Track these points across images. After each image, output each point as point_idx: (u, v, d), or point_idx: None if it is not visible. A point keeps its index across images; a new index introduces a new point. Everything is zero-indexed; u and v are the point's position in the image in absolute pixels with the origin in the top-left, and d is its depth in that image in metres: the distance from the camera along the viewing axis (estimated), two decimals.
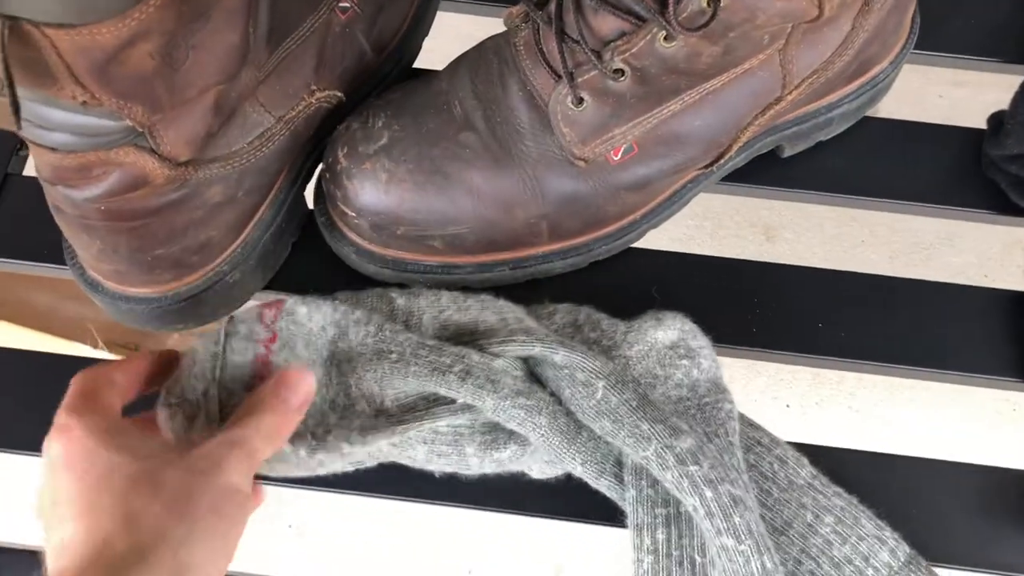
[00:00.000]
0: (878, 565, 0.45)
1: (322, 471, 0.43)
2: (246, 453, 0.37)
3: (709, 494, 0.40)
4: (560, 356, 0.43)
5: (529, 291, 0.49)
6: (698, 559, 0.43)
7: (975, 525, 0.48)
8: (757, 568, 0.40)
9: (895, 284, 0.52)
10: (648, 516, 0.43)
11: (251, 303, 0.45)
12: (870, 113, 0.55)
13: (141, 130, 0.38)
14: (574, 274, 0.51)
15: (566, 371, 0.43)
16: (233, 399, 0.41)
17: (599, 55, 0.43)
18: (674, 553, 0.43)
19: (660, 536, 0.43)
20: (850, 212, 1.00)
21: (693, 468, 0.41)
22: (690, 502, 0.41)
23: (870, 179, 0.54)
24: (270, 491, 0.95)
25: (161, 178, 0.40)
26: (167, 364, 0.42)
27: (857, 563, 0.45)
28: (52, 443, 0.36)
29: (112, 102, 0.35)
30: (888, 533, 0.46)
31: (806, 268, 0.52)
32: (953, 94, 1.04)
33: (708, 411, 0.45)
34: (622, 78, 0.43)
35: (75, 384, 0.38)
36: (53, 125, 0.36)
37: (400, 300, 0.46)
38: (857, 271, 0.53)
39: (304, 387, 0.40)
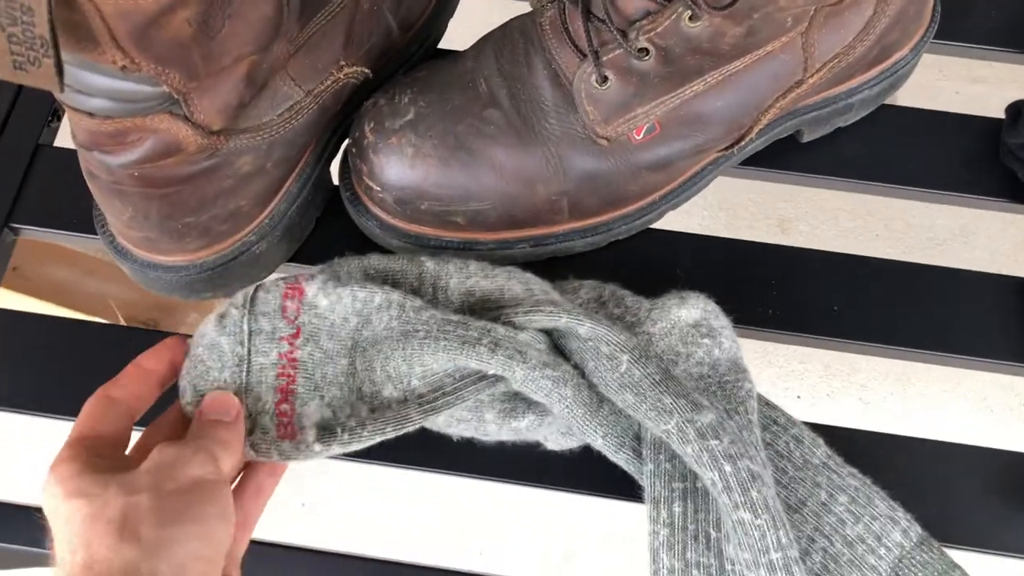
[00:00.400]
0: (890, 545, 0.46)
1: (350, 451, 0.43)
2: (194, 448, 0.37)
3: (728, 468, 0.41)
4: (585, 329, 0.43)
5: (549, 270, 0.50)
6: (713, 533, 0.43)
7: (987, 507, 0.48)
8: (772, 542, 0.41)
9: (910, 270, 0.53)
10: (665, 490, 0.44)
11: (273, 276, 0.46)
12: (889, 102, 0.55)
13: (177, 97, 0.38)
14: (594, 253, 0.52)
15: (591, 343, 0.44)
16: (259, 404, 0.42)
17: (624, 34, 0.44)
18: (690, 527, 0.43)
19: (676, 509, 0.43)
20: (865, 206, 1.01)
21: (713, 443, 0.41)
22: (709, 476, 0.41)
23: (888, 166, 0.55)
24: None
25: (194, 146, 0.41)
26: (176, 354, 0.42)
27: (870, 542, 0.46)
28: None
29: (150, 67, 0.36)
30: (901, 514, 0.46)
31: (823, 252, 0.53)
32: (969, 90, 1.04)
33: (728, 389, 0.45)
34: (646, 57, 0.44)
35: (74, 426, 0.39)
36: (92, 90, 0.37)
37: (429, 264, 0.46)
38: (875, 256, 0.53)
39: (230, 404, 0.40)
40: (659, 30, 0.43)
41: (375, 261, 0.47)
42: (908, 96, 0.58)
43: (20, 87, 0.57)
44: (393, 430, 0.41)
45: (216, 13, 0.37)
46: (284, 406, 0.41)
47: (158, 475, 0.35)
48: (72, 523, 0.34)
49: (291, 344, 0.42)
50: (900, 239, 1.00)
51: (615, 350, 0.43)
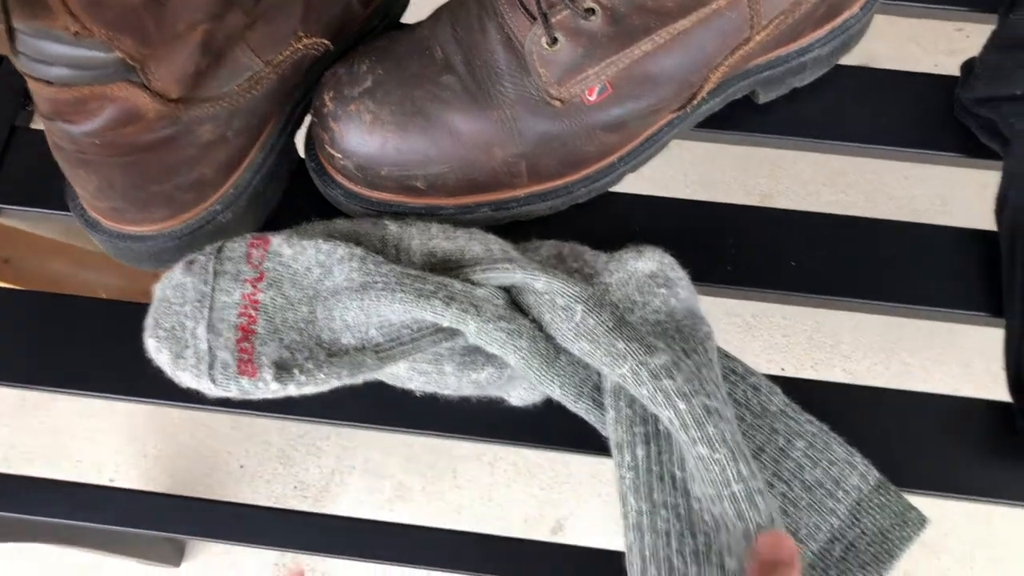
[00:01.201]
0: (848, 488, 0.47)
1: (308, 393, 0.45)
2: None
3: (682, 406, 0.42)
4: (541, 283, 0.44)
5: (512, 234, 0.51)
6: (678, 473, 0.44)
7: (942, 452, 0.49)
8: (733, 475, 0.41)
9: (866, 225, 0.54)
10: (628, 434, 0.45)
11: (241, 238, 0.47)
12: (846, 62, 0.56)
13: (133, 64, 0.40)
14: (555, 217, 0.53)
15: (547, 297, 0.45)
16: (220, 340, 0.43)
17: None
18: (654, 468, 0.44)
19: (640, 452, 0.44)
20: (845, 179, 1.01)
21: (667, 382, 0.42)
22: (665, 415, 0.42)
23: (845, 125, 0.56)
24: (273, 454, 0.97)
25: (153, 113, 0.42)
26: None
27: (828, 486, 0.47)
28: None
29: (102, 33, 0.37)
30: (858, 458, 0.47)
31: (779, 210, 0.54)
32: (947, 62, 1.04)
33: (686, 332, 0.46)
34: (593, 17, 0.45)
35: None
36: (50, 58, 0.38)
37: (393, 227, 0.48)
38: (828, 212, 0.54)
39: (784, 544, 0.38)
40: None
41: (339, 225, 0.49)
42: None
43: None
44: (349, 374, 0.43)
45: None
46: (244, 344, 0.43)
47: None
48: None
49: (254, 287, 0.44)
50: (881, 211, 1.00)
51: (570, 301, 0.44)
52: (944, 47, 1.05)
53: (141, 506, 0.55)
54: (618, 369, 0.43)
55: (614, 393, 0.46)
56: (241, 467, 0.95)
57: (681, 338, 0.46)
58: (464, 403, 0.49)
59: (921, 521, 0.47)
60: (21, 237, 0.87)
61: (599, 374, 0.47)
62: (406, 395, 0.49)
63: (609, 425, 0.46)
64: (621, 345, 0.43)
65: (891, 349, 0.96)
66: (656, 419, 0.45)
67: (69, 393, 0.52)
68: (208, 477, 0.94)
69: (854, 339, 0.96)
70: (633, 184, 0.55)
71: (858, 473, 0.47)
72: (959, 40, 1.06)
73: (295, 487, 0.94)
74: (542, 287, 0.45)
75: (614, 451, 0.45)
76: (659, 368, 0.42)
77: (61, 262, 0.89)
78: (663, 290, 0.47)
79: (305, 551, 0.54)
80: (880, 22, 0.57)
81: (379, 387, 0.49)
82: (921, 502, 0.47)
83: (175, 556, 0.92)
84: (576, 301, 0.44)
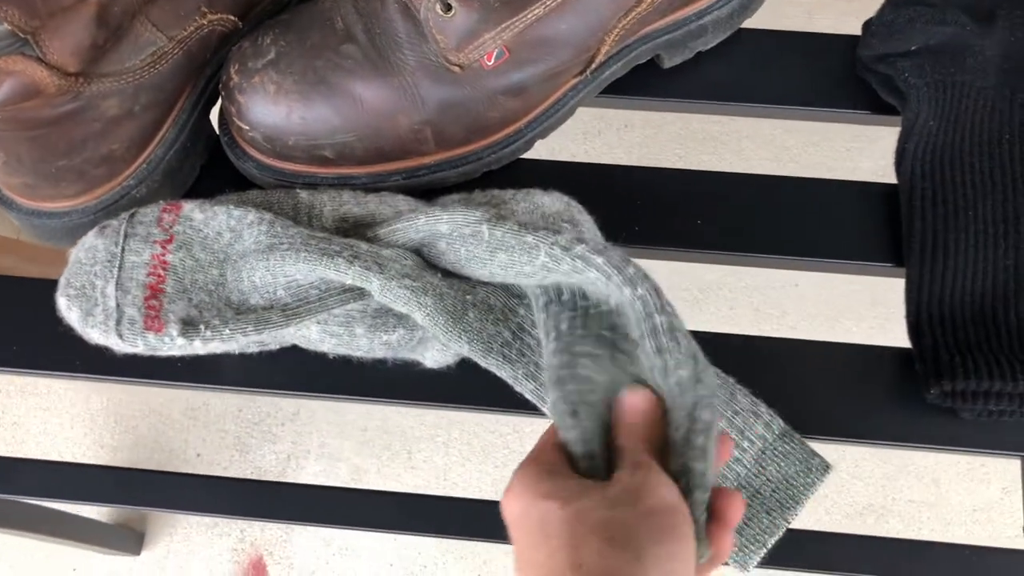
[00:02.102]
0: (753, 438, 0.48)
1: (216, 351, 0.46)
2: (659, 473, 0.36)
3: (600, 260, 0.41)
4: (444, 223, 0.45)
5: (427, 198, 0.52)
6: (606, 334, 0.43)
7: (845, 400, 0.50)
8: (655, 307, 0.40)
9: (770, 183, 0.55)
10: (554, 320, 0.44)
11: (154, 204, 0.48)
12: (751, 25, 0.58)
13: (24, 36, 0.41)
14: (468, 184, 0.54)
15: (456, 234, 0.45)
16: (127, 298, 0.45)
17: None
18: (578, 331, 0.43)
19: (564, 327, 0.43)
20: (788, 153, 1.03)
21: (580, 247, 0.42)
22: (591, 277, 0.41)
23: (751, 87, 0.57)
24: (229, 442, 0.97)
25: (52, 88, 0.43)
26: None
27: (733, 436, 0.48)
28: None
29: None
30: (763, 408, 0.48)
31: (687, 171, 0.55)
32: None
33: None
34: None
35: (542, 437, 0.40)
36: None
37: (304, 195, 0.49)
38: (734, 171, 0.55)
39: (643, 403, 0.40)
40: None
41: (252, 195, 0.50)
42: None
43: None
44: (254, 329, 0.44)
45: None
46: (152, 301, 0.44)
47: (633, 493, 0.35)
48: (548, 524, 0.35)
49: (163, 248, 0.45)
50: None
51: (475, 226, 0.45)
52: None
53: (96, 480, 0.56)
54: (536, 261, 0.43)
55: (536, 297, 0.45)
56: (198, 455, 0.96)
57: None
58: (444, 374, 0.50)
59: (824, 468, 0.48)
60: None
61: (509, 330, 0.48)
62: (363, 366, 0.50)
63: (539, 321, 0.45)
64: (530, 238, 0.43)
65: (836, 318, 0.97)
66: (584, 305, 0.44)
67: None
68: (166, 466, 0.95)
69: (799, 309, 0.98)
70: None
71: (762, 422, 0.48)
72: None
73: (252, 473, 0.95)
74: (447, 227, 0.45)
75: (543, 338, 0.44)
76: (569, 241, 0.42)
77: (12, 258, 0.90)
78: (567, 225, 0.47)
79: (265, 519, 0.55)
80: None
81: (323, 359, 0.50)
82: (865, 462, 0.48)
83: (135, 544, 0.93)
84: (480, 223, 0.45)
